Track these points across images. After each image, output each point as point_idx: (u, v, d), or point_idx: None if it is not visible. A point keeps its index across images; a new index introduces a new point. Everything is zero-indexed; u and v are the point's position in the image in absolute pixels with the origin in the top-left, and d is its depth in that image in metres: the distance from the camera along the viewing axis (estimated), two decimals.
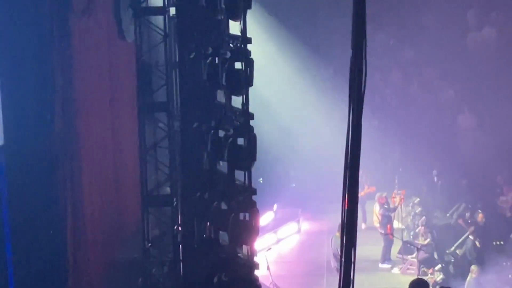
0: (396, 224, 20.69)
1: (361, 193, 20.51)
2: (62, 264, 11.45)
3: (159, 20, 12.81)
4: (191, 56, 11.48)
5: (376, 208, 20.40)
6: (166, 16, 12.66)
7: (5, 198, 10.46)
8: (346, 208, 6.52)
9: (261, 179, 20.70)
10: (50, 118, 10.85)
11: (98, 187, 12.92)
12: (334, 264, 17.71)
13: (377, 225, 20.33)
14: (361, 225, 20.84)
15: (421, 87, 25.86)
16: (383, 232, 20.19)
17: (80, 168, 11.90)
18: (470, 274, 18.02)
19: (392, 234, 20.16)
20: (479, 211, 21.24)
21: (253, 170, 11.50)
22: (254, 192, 11.46)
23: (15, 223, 10.51)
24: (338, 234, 17.73)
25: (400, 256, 20.09)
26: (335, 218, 20.26)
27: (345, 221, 6.56)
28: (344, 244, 6.54)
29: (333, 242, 17.82)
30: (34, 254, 11.00)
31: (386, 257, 20.16)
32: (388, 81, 26.03)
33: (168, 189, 12.81)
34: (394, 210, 20.55)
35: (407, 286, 15.45)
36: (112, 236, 13.83)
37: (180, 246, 12.32)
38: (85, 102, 12.09)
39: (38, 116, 10.84)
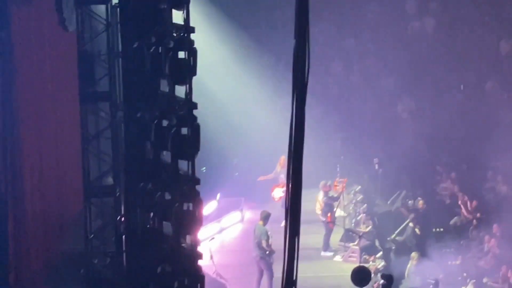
0: (338, 212, 20.86)
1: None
2: (3, 256, 11.34)
3: (101, 9, 12.70)
4: (134, 46, 11.38)
5: (320, 196, 20.53)
6: (109, 5, 12.55)
7: None
8: (289, 196, 6.57)
9: (204, 168, 20.71)
10: None
11: (39, 179, 12.79)
12: (256, 253, 17.75)
13: (319, 212, 20.46)
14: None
15: (362, 75, 26.08)
16: (324, 220, 20.33)
17: (20, 159, 11.77)
18: (410, 261, 18.27)
19: (333, 223, 20.32)
20: (419, 198, 21.54)
21: (197, 159, 11.49)
22: (197, 181, 11.45)
23: None
24: (261, 223, 17.88)
25: (342, 244, 20.27)
26: (279, 207, 20.39)
27: (288, 209, 6.62)
28: (287, 232, 6.59)
29: (256, 231, 17.81)
30: None
31: (328, 245, 20.31)
32: (330, 70, 26.19)
33: (110, 180, 12.72)
34: (337, 199, 20.73)
35: (349, 274, 15.69)
36: (54, 228, 13.72)
37: (123, 237, 12.25)
38: (26, 91, 11.95)
39: None
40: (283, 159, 21.60)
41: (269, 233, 17.57)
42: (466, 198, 20.83)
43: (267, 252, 17.51)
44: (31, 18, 12.24)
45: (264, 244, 17.54)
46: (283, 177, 21.42)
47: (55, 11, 13.09)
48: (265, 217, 17.80)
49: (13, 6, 11.28)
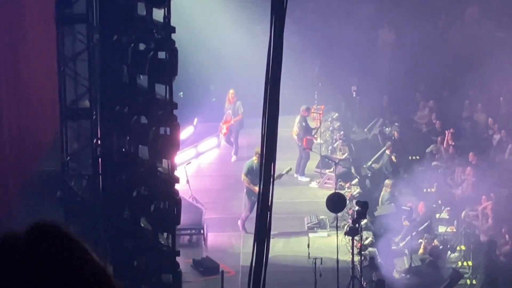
0: (315, 139, 20.92)
1: None
2: None
3: None
4: None
5: (297, 119, 20.50)
6: None
7: None
8: (265, 122, 6.58)
9: (181, 93, 20.61)
10: None
11: (15, 101, 12.71)
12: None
13: (295, 137, 20.47)
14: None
15: (342, 2, 25.87)
16: (300, 144, 20.38)
17: None
18: (384, 188, 18.45)
19: (309, 148, 20.37)
20: (396, 125, 21.66)
21: (174, 84, 11.45)
22: (174, 106, 11.44)
23: None
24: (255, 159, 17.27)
25: (318, 170, 20.38)
26: (256, 132, 20.35)
27: (264, 135, 6.64)
28: (264, 159, 6.63)
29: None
30: None
31: (303, 170, 20.41)
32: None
33: (87, 102, 12.65)
34: (314, 130, 20.73)
35: (325, 200, 15.84)
36: (31, 150, 13.68)
37: (99, 159, 12.26)
38: (1, 12, 11.78)
39: None
40: (231, 93, 21.54)
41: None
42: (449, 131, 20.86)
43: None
44: None
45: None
46: (230, 113, 21.42)
47: None
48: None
49: None
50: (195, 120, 22.55)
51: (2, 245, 1.99)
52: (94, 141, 12.49)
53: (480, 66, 21.55)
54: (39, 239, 2.01)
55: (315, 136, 20.78)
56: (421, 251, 16.68)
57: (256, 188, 16.41)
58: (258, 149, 17.19)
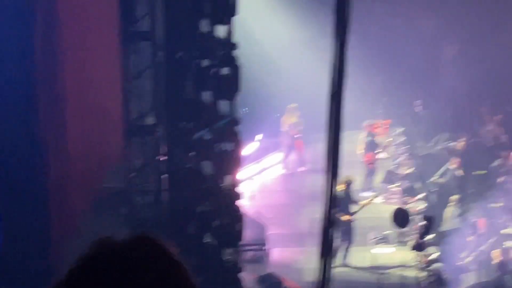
0: (379, 154, 20.79)
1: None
2: (44, 196, 11.47)
3: None
4: None
5: (363, 134, 20.42)
6: None
7: None
8: (329, 137, 6.55)
9: (246, 108, 20.66)
10: (30, 50, 10.75)
11: (80, 118, 12.87)
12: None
13: (360, 152, 20.39)
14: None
15: (404, 16, 25.68)
16: (364, 160, 20.28)
17: (62, 100, 11.83)
18: (450, 203, 18.21)
19: (372, 163, 20.24)
20: (462, 140, 21.39)
21: (237, 99, 11.48)
22: (238, 122, 11.46)
23: None
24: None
25: (383, 185, 20.22)
26: (320, 148, 20.25)
27: (329, 151, 6.60)
28: (327, 175, 6.59)
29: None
30: (15, 185, 11.00)
31: (368, 186, 20.29)
32: (372, 12, 25.81)
33: (151, 119, 12.75)
34: (381, 146, 20.63)
35: (390, 215, 15.69)
36: (96, 167, 13.82)
37: (164, 176, 12.33)
38: (67, 31, 11.95)
39: (18, 50, 10.73)
40: (290, 108, 21.50)
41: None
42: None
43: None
44: None
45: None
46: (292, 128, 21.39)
47: None
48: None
49: None
50: (259, 136, 22.57)
51: (102, 250, 2.00)
52: (158, 157, 12.58)
53: None
54: (139, 248, 2.01)
55: (379, 152, 20.63)
56: (489, 266, 16.39)
57: (344, 217, 16.28)
58: (345, 178, 16.94)
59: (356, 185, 19.72)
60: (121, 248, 2.02)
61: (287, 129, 21.73)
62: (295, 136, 21.56)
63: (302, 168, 21.82)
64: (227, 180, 11.87)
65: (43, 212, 11.54)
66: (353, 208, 16.68)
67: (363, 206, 16.36)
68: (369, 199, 17.06)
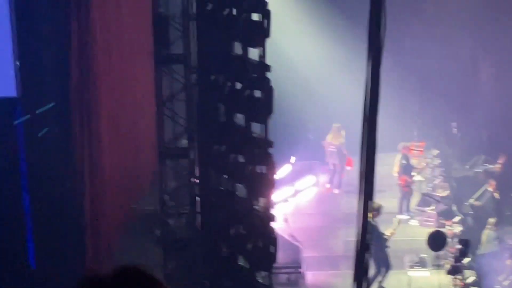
0: (415, 177, 20.62)
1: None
2: (79, 216, 11.52)
3: None
4: (208, 8, 11.36)
5: (398, 157, 20.30)
6: None
7: (23, 152, 10.49)
8: (364, 159, 6.48)
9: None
10: (66, 72, 10.83)
11: (115, 140, 12.93)
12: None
13: (396, 175, 20.26)
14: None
15: (440, 37, 25.55)
16: (399, 183, 20.15)
17: (97, 121, 11.89)
18: (487, 226, 17.99)
19: (408, 186, 20.08)
20: (499, 162, 21.15)
21: (270, 122, 11.44)
22: (270, 144, 11.43)
23: (32, 177, 10.55)
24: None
25: (419, 208, 20.05)
26: (353, 171, 20.25)
27: (363, 172, 6.53)
28: (361, 196, 6.51)
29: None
30: (52, 207, 11.05)
31: (402, 209, 20.12)
32: (407, 33, 25.71)
33: (185, 141, 12.78)
34: (415, 168, 20.46)
35: (425, 238, 15.52)
36: (130, 189, 13.87)
37: (197, 198, 12.33)
38: (102, 53, 12.03)
39: (54, 69, 10.81)
40: (335, 128, 21.49)
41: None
42: None
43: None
44: None
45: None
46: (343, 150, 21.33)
47: None
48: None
49: None
50: (293, 158, 22.51)
51: (90, 285, 1.99)
52: (192, 179, 12.59)
53: None
54: (125, 280, 1.99)
55: (414, 174, 20.47)
56: None
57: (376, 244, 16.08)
58: (375, 204, 16.76)
59: (392, 207, 19.59)
60: (109, 283, 2.01)
61: (333, 149, 21.69)
62: (343, 153, 21.49)
63: (337, 191, 21.73)
64: (260, 202, 11.82)
65: (79, 234, 11.58)
66: (383, 236, 16.51)
67: (391, 235, 16.20)
68: (393, 229, 16.76)
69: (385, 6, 5.94)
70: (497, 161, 21.15)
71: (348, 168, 21.17)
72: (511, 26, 24.40)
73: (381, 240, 16.21)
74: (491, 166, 21.33)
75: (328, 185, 21.76)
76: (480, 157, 22.20)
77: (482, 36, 24.88)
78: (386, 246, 16.51)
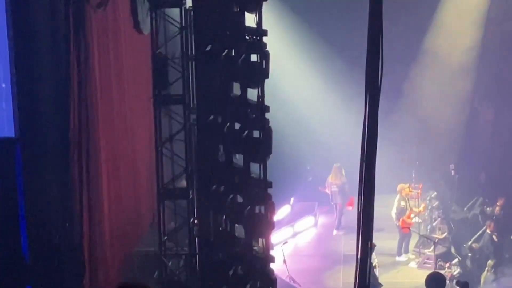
0: (414, 219, 20.59)
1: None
2: (78, 257, 11.47)
3: (175, 12, 12.78)
4: (207, 49, 11.43)
5: (396, 199, 20.29)
6: (183, 8, 12.62)
7: (21, 191, 10.46)
8: (362, 200, 6.48)
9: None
10: (65, 113, 10.85)
11: (115, 181, 12.92)
12: None
13: (394, 216, 20.23)
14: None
15: (438, 79, 25.63)
16: (397, 225, 20.12)
17: (96, 161, 11.90)
18: (487, 268, 17.94)
19: (405, 228, 20.05)
20: (497, 205, 21.12)
21: (270, 163, 11.45)
22: (269, 185, 11.43)
23: (31, 216, 10.52)
24: None
25: (417, 250, 20.00)
26: (352, 212, 20.24)
27: (361, 213, 6.53)
28: (360, 238, 6.50)
29: None
30: (50, 247, 11.01)
31: (401, 250, 20.06)
32: (406, 75, 25.83)
33: (184, 182, 12.79)
34: (414, 210, 20.43)
35: (424, 280, 15.45)
36: (129, 229, 13.84)
37: (196, 239, 12.30)
38: (101, 94, 12.08)
39: (54, 110, 10.84)
40: (336, 168, 21.51)
41: None
42: None
43: None
44: (107, 22, 12.38)
45: None
46: (346, 189, 21.33)
47: (130, 15, 13.23)
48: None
49: (90, 9, 11.42)
50: (292, 199, 22.50)
51: None
52: (191, 220, 12.58)
53: None
54: None
55: (413, 216, 20.43)
56: None
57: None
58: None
59: (391, 249, 19.54)
60: None
61: (335, 189, 21.66)
62: (346, 192, 21.47)
63: (336, 232, 21.68)
64: (259, 243, 11.80)
65: (78, 276, 11.52)
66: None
67: None
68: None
69: (383, 48, 5.99)
70: (496, 203, 21.12)
71: (350, 208, 21.15)
72: (509, 68, 24.54)
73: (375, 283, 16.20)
74: (489, 208, 21.30)
75: (335, 232, 21.66)
76: (478, 199, 22.19)
77: (482, 77, 24.97)
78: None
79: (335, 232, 21.62)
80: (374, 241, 6.60)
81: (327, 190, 21.86)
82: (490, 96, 24.90)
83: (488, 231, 19.64)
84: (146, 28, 13.09)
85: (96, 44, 11.67)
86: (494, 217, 20.47)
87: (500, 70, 24.61)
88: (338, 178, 21.67)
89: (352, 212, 20.18)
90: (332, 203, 21.94)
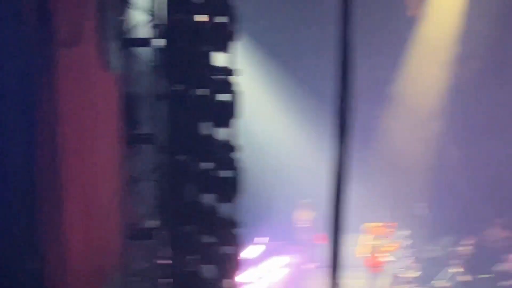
0: (386, 257, 20.56)
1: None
2: None
3: (145, 51, 12.74)
4: (178, 88, 11.40)
5: (367, 238, 20.25)
6: (153, 47, 12.58)
7: None
8: (332, 240, 6.45)
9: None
10: (32, 152, 10.74)
11: (81, 221, 12.77)
12: None
13: (365, 255, 20.19)
14: None
15: (409, 119, 25.77)
16: (369, 264, 20.06)
17: (62, 202, 11.76)
18: None
19: (378, 267, 20.00)
20: (467, 243, 21.17)
21: (239, 202, 11.40)
22: (239, 225, 11.37)
23: None
24: None
25: None
26: (324, 251, 20.11)
27: (331, 253, 6.51)
28: (330, 277, 6.47)
29: None
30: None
31: None
32: (374, 115, 25.88)
33: (152, 222, 12.66)
34: (385, 249, 20.44)
35: None
36: (95, 271, 13.64)
37: (165, 280, 12.15)
38: (69, 134, 11.97)
39: (20, 152, 10.72)
40: (305, 204, 21.55)
41: None
42: None
43: None
44: (75, 61, 12.30)
45: None
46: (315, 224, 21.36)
47: (99, 54, 13.16)
48: None
49: (58, 48, 11.35)
50: (263, 238, 22.38)
51: None
52: (160, 261, 12.43)
53: None
54: None
55: (384, 255, 20.40)
56: None
57: None
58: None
59: None
60: None
61: (305, 225, 21.67)
62: (315, 229, 21.47)
63: (309, 265, 21.65)
64: (229, 284, 11.69)
65: None
66: None
67: None
68: None
69: (352, 88, 5.99)
70: (467, 242, 21.17)
71: (320, 243, 21.10)
72: (479, 108, 24.74)
73: None
74: (460, 247, 21.35)
75: (307, 265, 21.64)
76: (449, 237, 22.23)
77: (453, 116, 25.13)
78: None
79: (307, 265, 21.58)
80: (344, 280, 6.55)
81: (297, 226, 21.84)
82: (460, 136, 25.04)
83: (458, 270, 19.67)
84: (115, 67, 13.02)
85: (64, 85, 11.58)
86: (465, 256, 20.52)
87: (470, 109, 24.79)
88: (308, 214, 21.65)
89: (322, 247, 20.10)
90: (301, 238, 21.88)
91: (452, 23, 24.42)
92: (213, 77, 11.33)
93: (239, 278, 11.81)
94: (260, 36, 23.17)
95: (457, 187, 23.57)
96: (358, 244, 19.94)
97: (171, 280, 11.86)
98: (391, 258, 20.75)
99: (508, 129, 25.16)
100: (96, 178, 13.31)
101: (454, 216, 22.91)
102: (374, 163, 24.27)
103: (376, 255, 20.06)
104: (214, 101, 11.15)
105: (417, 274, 20.35)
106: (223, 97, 11.27)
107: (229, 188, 11.12)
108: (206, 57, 11.40)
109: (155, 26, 12.61)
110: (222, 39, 11.11)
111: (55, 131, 11.31)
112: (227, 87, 11.25)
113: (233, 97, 11.17)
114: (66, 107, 11.77)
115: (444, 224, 22.73)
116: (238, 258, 11.33)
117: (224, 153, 11.28)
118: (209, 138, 11.35)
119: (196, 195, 11.50)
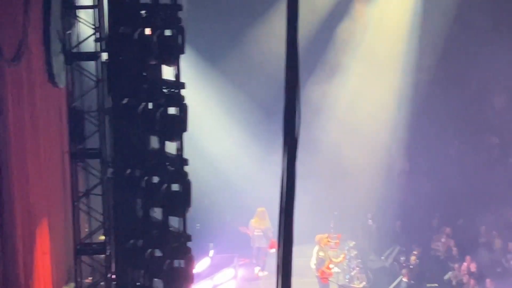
0: (332, 268, 20.67)
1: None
2: None
3: (91, 65, 12.71)
4: (124, 102, 11.36)
5: (315, 249, 20.34)
6: (98, 61, 12.56)
7: None
8: (281, 251, 6.49)
9: (198, 225, 20.57)
10: None
11: (29, 237, 12.65)
12: None
13: (313, 267, 20.28)
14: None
15: (357, 131, 25.96)
16: (317, 275, 20.16)
17: (10, 215, 11.64)
18: None
19: (325, 278, 20.11)
20: (413, 253, 21.40)
21: (188, 216, 11.38)
22: (189, 238, 11.35)
23: None
24: None
25: None
26: (272, 262, 20.19)
27: (280, 265, 6.54)
28: (281, 285, 6.49)
29: None
30: None
31: None
32: (322, 127, 26.07)
33: (101, 237, 12.62)
34: (332, 260, 20.56)
35: None
36: (45, 286, 13.51)
37: None
38: (16, 149, 11.86)
39: None
40: (260, 212, 21.61)
41: None
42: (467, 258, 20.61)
43: None
44: (21, 75, 12.21)
45: None
46: (269, 234, 21.44)
47: (45, 68, 13.08)
48: None
49: (3, 63, 11.26)
50: (211, 251, 22.37)
51: None
52: (109, 275, 12.37)
53: (495, 191, 21.45)
54: None
55: (331, 266, 20.52)
56: None
57: None
58: None
59: None
60: None
61: (259, 233, 21.67)
62: (270, 236, 21.51)
63: (259, 272, 21.71)
64: None
65: None
66: None
67: None
68: None
69: (300, 100, 6.05)
70: (412, 252, 21.40)
71: (272, 250, 21.18)
72: (424, 119, 25.06)
73: None
74: (403, 258, 21.57)
75: (258, 271, 21.72)
76: (395, 248, 22.45)
77: (397, 129, 25.39)
78: None
79: (258, 272, 21.63)
80: None
81: (248, 232, 21.86)
82: (405, 146, 25.32)
83: (404, 279, 19.86)
84: (62, 81, 12.96)
85: (11, 99, 11.49)
86: (410, 266, 20.73)
87: (416, 120, 25.09)
88: (262, 223, 21.69)
89: (271, 263, 20.16)
90: (252, 245, 21.93)
91: (398, 30, 24.72)
92: (160, 90, 11.30)
93: None
94: (207, 49, 23.22)
95: (403, 197, 23.82)
96: (307, 256, 20.03)
97: None
98: (337, 269, 20.87)
99: (453, 141, 25.56)
100: (43, 194, 13.19)
101: (400, 226, 23.14)
102: (321, 174, 24.41)
103: (323, 265, 20.16)
104: (162, 115, 11.12)
105: (363, 284, 20.51)
106: (170, 110, 11.24)
107: (179, 202, 11.10)
108: (153, 71, 11.38)
109: (100, 40, 12.60)
110: (168, 52, 11.10)
111: (1, 148, 11.21)
112: (174, 101, 11.23)
113: (181, 110, 11.16)
114: (13, 122, 11.67)
115: (390, 234, 22.94)
116: (188, 271, 11.30)
117: (172, 167, 11.26)
118: (157, 152, 11.33)
119: (144, 209, 11.45)
